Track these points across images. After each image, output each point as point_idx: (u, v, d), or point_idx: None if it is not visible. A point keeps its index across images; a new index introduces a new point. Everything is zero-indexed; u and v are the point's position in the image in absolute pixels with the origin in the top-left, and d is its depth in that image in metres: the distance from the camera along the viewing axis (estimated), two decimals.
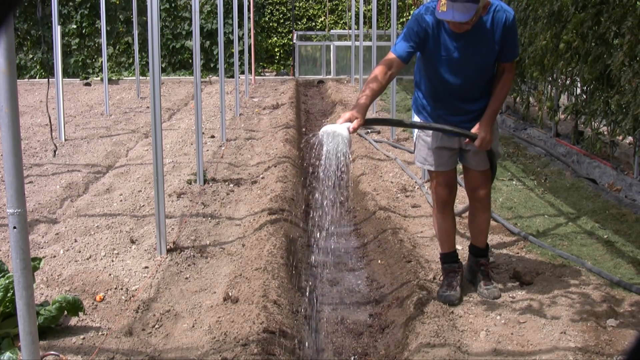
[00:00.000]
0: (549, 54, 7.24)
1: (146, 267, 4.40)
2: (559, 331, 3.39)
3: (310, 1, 18.70)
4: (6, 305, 3.33)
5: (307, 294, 4.29)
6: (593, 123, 6.65)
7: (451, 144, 3.79)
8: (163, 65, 17.43)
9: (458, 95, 3.69)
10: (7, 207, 2.49)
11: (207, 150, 8.14)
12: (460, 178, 4.89)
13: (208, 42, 17.22)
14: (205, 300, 3.93)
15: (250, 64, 15.84)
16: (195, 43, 6.60)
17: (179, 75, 17.27)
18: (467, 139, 3.65)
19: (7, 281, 3.35)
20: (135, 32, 13.61)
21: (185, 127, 9.93)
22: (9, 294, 3.32)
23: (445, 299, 3.78)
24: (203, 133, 8.20)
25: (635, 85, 5.32)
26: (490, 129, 3.62)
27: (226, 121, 9.37)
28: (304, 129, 10.69)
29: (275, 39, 18.66)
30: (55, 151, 7.53)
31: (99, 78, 16.53)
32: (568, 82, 7.38)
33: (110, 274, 4.23)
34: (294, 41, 17.98)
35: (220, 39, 8.54)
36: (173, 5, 17.69)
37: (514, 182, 6.48)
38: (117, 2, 17.23)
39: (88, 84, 16.49)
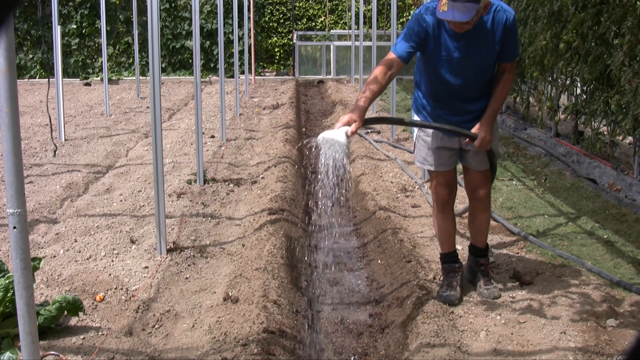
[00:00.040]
0: (549, 54, 7.24)
1: (146, 267, 4.40)
2: (559, 331, 3.39)
3: (310, 1, 18.70)
4: (6, 305, 3.33)
5: (307, 294, 4.29)
6: (593, 123, 6.66)
7: (451, 144, 3.79)
8: (163, 65, 17.43)
9: (458, 96, 3.69)
10: (7, 207, 2.49)
11: (207, 150, 8.14)
12: (460, 178, 4.89)
13: (208, 42, 17.22)
14: (205, 300, 3.93)
15: (250, 64, 15.84)
16: (195, 43, 6.60)
17: (179, 75, 17.28)
18: (467, 139, 3.65)
19: (7, 281, 3.35)
20: (135, 32, 13.61)
21: (185, 127, 9.93)
22: (9, 294, 3.32)
23: (445, 299, 3.78)
24: (203, 133, 8.21)
25: (635, 85, 5.33)
26: (491, 129, 3.62)
27: (226, 121, 9.37)
28: (304, 129, 10.69)
29: (275, 39, 18.66)
30: (55, 151, 7.53)
31: (99, 78, 16.53)
32: (568, 82, 7.38)
33: (110, 274, 4.23)
34: (294, 41, 17.98)
35: (220, 39, 8.54)
36: (173, 5, 17.69)
37: (514, 182, 6.48)
38: (117, 2, 17.23)
39: (88, 84, 16.49)
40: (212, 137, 9.06)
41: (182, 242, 4.88)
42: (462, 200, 5.12)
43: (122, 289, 4.04)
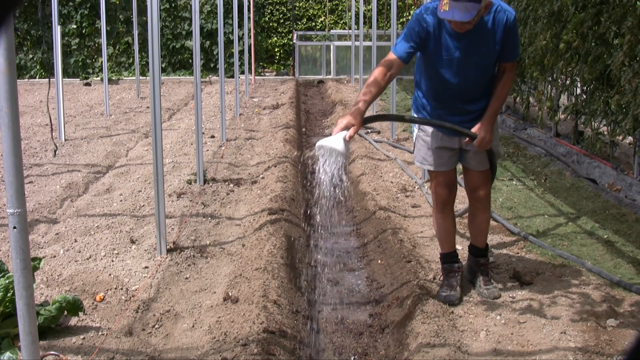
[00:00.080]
0: (549, 54, 7.24)
1: (146, 267, 4.40)
2: (559, 331, 3.39)
3: (310, 1, 18.70)
4: (6, 305, 3.33)
5: (307, 293, 4.29)
6: (593, 123, 6.66)
7: (451, 144, 3.79)
8: (163, 65, 17.43)
9: (458, 96, 3.69)
10: (7, 207, 2.49)
11: (207, 150, 8.14)
12: (460, 178, 4.89)
13: (208, 42, 17.22)
14: (205, 300, 3.93)
15: (250, 64, 15.84)
16: (195, 43, 6.60)
17: (179, 75, 17.28)
18: (467, 139, 3.65)
19: (7, 281, 3.35)
20: (135, 32, 13.61)
21: (185, 127, 9.93)
22: (9, 294, 3.32)
23: (445, 299, 3.78)
24: (203, 133, 8.20)
25: (635, 85, 5.33)
26: (491, 129, 3.62)
27: (226, 121, 9.37)
28: (304, 129, 10.69)
29: (275, 39, 18.66)
30: (55, 151, 7.53)
31: (99, 78, 16.53)
32: (568, 82, 7.38)
33: (110, 274, 4.23)
34: (294, 41, 17.98)
35: (220, 39, 8.54)
36: (173, 5, 17.69)
37: (514, 182, 6.48)
38: (117, 2, 17.23)
39: (88, 84, 16.49)
40: (212, 137, 9.06)
41: (182, 242, 4.88)
42: (462, 200, 5.12)
43: (122, 289, 4.04)
